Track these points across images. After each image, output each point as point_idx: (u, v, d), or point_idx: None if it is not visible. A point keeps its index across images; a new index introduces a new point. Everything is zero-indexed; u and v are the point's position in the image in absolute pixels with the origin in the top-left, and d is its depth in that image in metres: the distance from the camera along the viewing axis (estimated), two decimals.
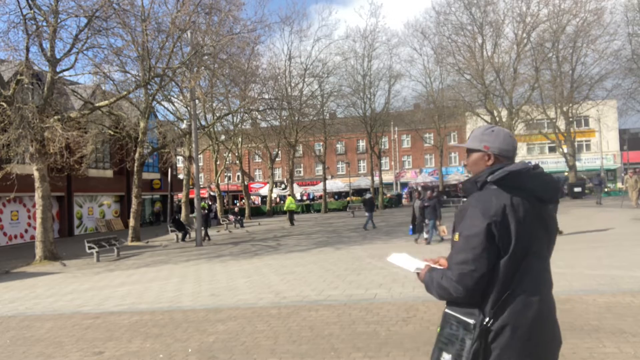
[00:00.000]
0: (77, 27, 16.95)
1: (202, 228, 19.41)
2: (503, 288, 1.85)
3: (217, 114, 29.05)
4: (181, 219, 23.69)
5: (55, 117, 16.13)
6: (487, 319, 1.84)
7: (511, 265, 1.85)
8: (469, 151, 2.11)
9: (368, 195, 22.37)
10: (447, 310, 1.97)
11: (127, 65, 20.00)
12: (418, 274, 2.10)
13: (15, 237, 25.01)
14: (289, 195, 34.03)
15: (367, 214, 20.32)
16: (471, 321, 1.85)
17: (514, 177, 1.92)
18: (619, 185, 41.34)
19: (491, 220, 1.83)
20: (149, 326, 6.42)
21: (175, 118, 27.93)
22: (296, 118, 33.44)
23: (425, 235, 13.92)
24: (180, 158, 34.15)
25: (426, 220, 13.85)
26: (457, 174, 51.33)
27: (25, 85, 16.38)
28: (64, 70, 17.32)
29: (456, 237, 1.92)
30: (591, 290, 6.51)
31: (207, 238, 20.13)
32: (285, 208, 28.09)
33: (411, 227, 15.49)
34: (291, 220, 26.55)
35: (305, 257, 12.55)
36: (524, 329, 1.85)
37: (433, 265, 2.06)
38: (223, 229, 26.18)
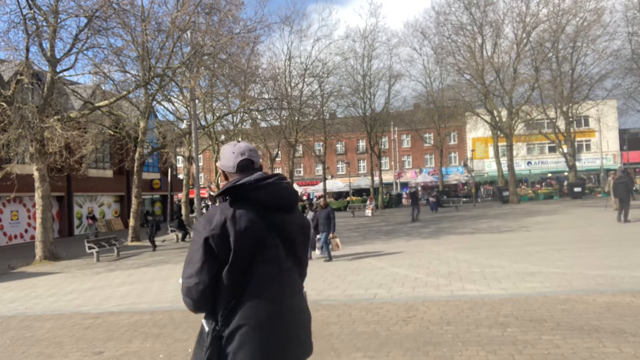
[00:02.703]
0: (77, 27, 16.96)
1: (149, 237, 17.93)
2: (229, 296, 1.92)
3: (217, 114, 29.01)
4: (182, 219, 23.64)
5: (55, 117, 16.12)
6: (218, 326, 1.92)
7: (233, 274, 1.91)
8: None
9: (412, 189, 25.03)
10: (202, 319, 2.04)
11: (127, 65, 20.02)
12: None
13: (15, 237, 25.02)
14: None
15: (412, 206, 23.41)
16: (206, 328, 1.94)
17: (235, 191, 1.97)
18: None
19: (209, 234, 1.89)
20: (149, 326, 6.42)
21: (175, 118, 27.89)
22: (296, 118, 33.37)
23: (317, 252, 12.12)
24: (180, 158, 34.14)
25: (317, 235, 11.77)
26: (457, 174, 51.34)
27: (25, 85, 16.38)
28: (64, 70, 17.33)
29: None
30: (591, 290, 6.50)
31: (153, 248, 17.81)
32: None
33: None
34: None
35: None
36: (254, 332, 1.90)
37: None
38: None
